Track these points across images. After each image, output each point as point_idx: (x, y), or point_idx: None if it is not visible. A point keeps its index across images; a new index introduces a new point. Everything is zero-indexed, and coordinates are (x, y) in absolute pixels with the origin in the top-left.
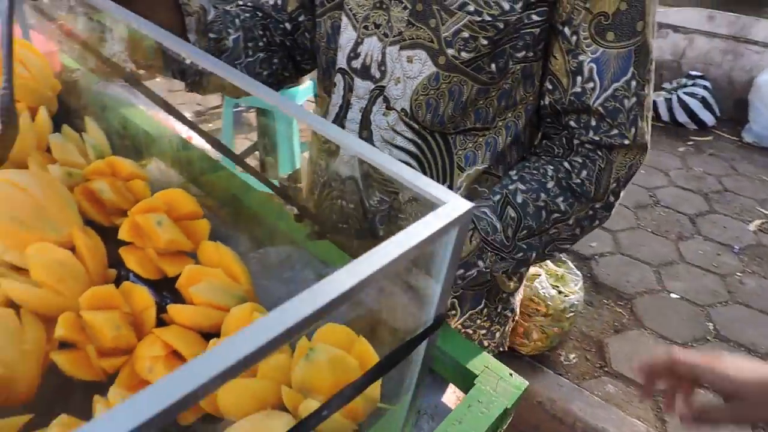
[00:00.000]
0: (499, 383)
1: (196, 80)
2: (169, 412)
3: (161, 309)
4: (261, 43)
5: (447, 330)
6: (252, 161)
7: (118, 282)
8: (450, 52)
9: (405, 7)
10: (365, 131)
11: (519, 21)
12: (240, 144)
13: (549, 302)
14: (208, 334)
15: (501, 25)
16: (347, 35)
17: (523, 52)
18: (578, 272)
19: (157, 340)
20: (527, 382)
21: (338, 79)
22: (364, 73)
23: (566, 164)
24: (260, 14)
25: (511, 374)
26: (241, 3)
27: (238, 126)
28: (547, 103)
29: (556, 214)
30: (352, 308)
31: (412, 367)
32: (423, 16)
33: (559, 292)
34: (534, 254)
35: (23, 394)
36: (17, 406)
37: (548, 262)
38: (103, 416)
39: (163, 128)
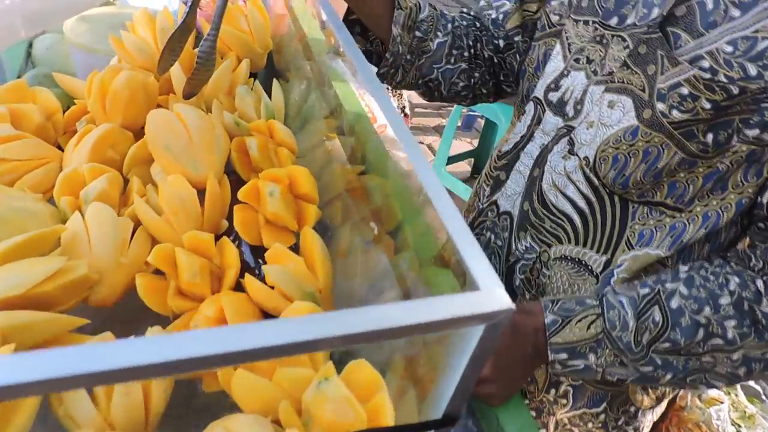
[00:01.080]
0: None
1: (388, 72)
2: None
3: (253, 273)
4: (467, 54)
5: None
6: (464, 167)
7: (228, 234)
8: (659, 106)
9: (627, 46)
10: (537, 169)
11: (763, 91)
12: (460, 146)
13: None
14: (271, 317)
15: (735, 90)
16: (554, 64)
17: (757, 131)
18: None
19: (217, 302)
20: None
21: (530, 107)
22: (558, 108)
23: (759, 283)
24: (477, 25)
25: None
26: (464, 11)
27: (467, 130)
28: (765, 201)
29: (718, 340)
30: (394, 354)
31: None
32: (643, 60)
33: None
34: (670, 376)
35: (101, 301)
36: (91, 309)
37: (739, 388)
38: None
39: (358, 111)
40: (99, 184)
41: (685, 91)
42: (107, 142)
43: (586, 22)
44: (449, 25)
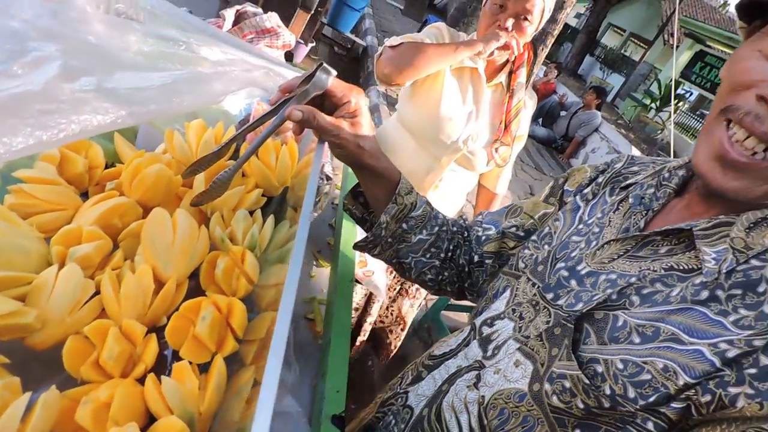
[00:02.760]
0: None
1: (367, 245)
2: None
3: (164, 374)
4: (443, 255)
5: None
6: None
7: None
8: (546, 387)
9: (548, 322)
10: (446, 385)
11: (632, 415)
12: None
13: None
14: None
15: (606, 404)
16: (499, 304)
17: None
18: None
19: (113, 388)
20: None
21: (467, 328)
22: (483, 343)
23: None
24: (465, 234)
25: None
26: (462, 219)
27: None
28: None
29: None
30: None
31: None
32: (553, 340)
33: None
34: None
35: (34, 344)
36: (21, 347)
37: None
38: None
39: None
40: (86, 248)
41: (567, 384)
42: (117, 212)
43: (533, 284)
44: (437, 228)
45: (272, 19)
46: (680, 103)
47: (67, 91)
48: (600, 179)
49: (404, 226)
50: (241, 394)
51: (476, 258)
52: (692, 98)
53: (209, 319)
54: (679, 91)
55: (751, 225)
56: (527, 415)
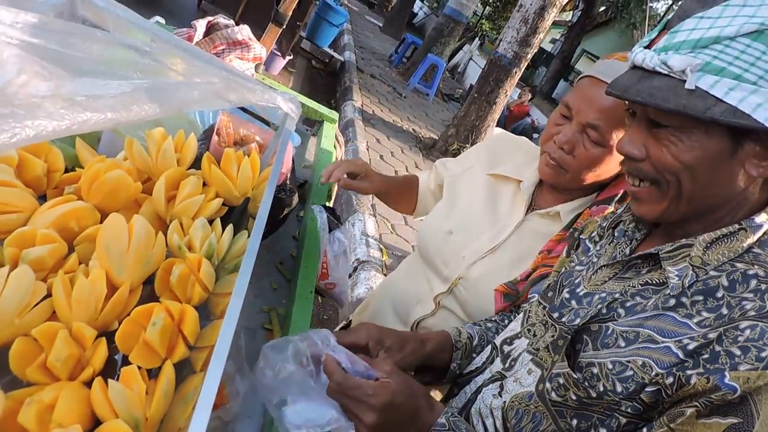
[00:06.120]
0: None
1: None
2: None
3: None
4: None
5: None
6: None
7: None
8: (547, 385)
9: (553, 336)
10: (474, 394)
11: (617, 404)
12: None
13: None
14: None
15: (593, 394)
16: (515, 325)
17: None
18: None
19: (58, 391)
20: None
21: (488, 347)
22: (504, 358)
23: None
24: (507, 322)
25: None
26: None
27: None
28: None
29: None
30: None
31: None
32: (556, 350)
33: None
34: None
35: None
36: None
37: None
38: None
39: None
40: (40, 250)
41: (561, 380)
42: (74, 216)
43: (543, 306)
44: (492, 334)
45: (243, 31)
46: None
47: (22, 96)
48: (604, 224)
49: (474, 354)
50: (189, 400)
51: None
52: None
53: (160, 324)
54: None
55: (708, 245)
56: (535, 411)
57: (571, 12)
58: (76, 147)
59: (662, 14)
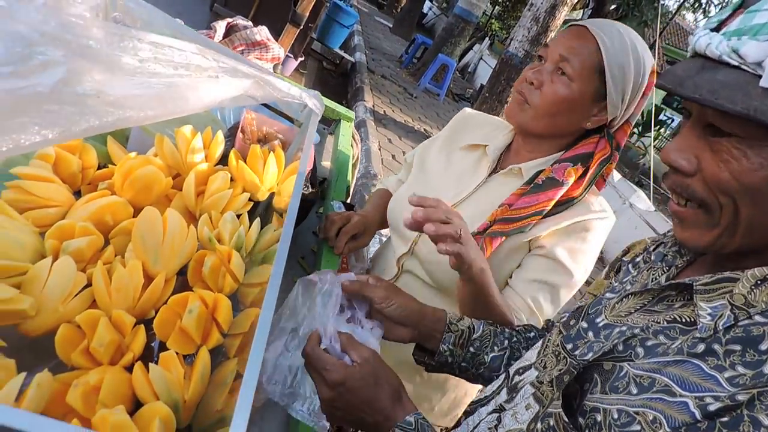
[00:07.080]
0: None
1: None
2: None
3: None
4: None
5: None
6: None
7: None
8: (539, 425)
9: (561, 369)
10: (474, 429)
11: None
12: None
13: None
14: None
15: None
16: (531, 354)
17: None
18: None
19: (103, 374)
20: None
21: (502, 375)
22: (511, 390)
23: None
24: (533, 334)
25: None
26: (523, 326)
27: None
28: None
29: None
30: None
31: None
32: (559, 386)
33: None
34: None
35: (27, 331)
36: (14, 332)
37: None
38: None
39: None
40: (79, 242)
41: (552, 422)
42: (109, 210)
43: (559, 332)
44: (506, 341)
45: (262, 32)
46: (662, 129)
47: (71, 93)
48: (651, 248)
49: (471, 349)
50: (224, 385)
51: None
52: (674, 125)
53: (196, 312)
54: (660, 117)
55: (759, 281)
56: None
57: (582, 10)
58: (107, 144)
59: (674, 11)
